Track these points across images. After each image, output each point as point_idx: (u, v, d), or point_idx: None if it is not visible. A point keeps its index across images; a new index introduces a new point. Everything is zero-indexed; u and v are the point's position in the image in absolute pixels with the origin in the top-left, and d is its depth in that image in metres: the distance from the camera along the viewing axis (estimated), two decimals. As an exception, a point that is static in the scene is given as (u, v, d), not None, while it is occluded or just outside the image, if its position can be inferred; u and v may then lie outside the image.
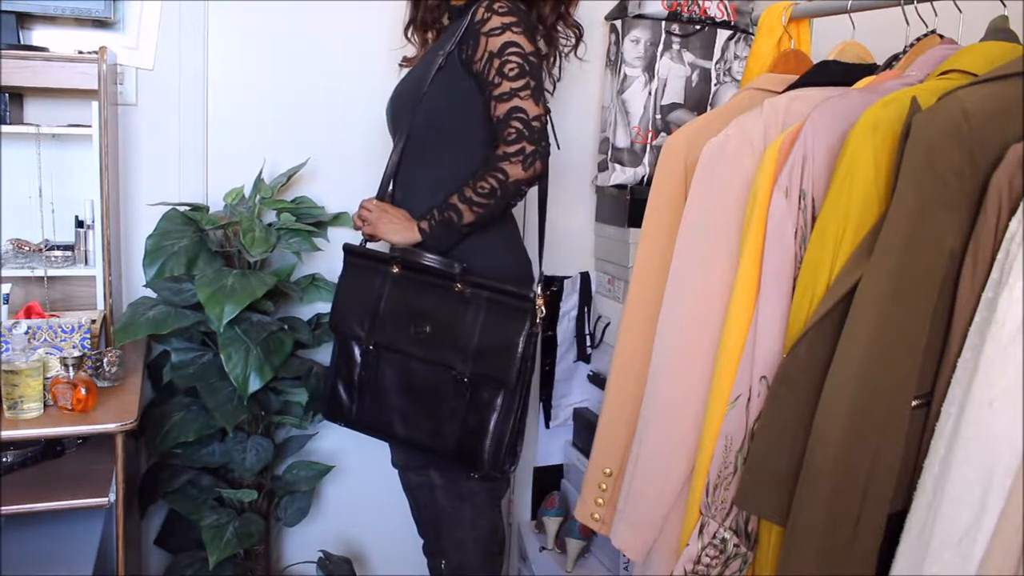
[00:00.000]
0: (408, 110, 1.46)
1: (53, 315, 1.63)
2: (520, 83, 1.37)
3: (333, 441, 2.06)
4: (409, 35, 1.66)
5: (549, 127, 1.41)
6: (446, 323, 1.42)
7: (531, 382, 1.45)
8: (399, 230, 1.44)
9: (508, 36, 1.37)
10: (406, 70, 1.66)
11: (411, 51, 1.72)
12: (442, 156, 1.46)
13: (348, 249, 1.53)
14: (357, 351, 1.49)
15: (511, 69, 1.37)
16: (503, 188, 1.37)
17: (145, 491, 1.75)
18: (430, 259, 1.42)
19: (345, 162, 2.00)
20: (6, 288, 1.64)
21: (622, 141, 1.94)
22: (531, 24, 1.46)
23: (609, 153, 1.96)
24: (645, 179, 1.94)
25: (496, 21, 1.38)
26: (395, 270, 1.45)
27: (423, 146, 1.46)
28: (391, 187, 1.51)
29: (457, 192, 1.39)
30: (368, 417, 1.49)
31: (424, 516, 1.71)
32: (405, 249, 1.44)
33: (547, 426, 2.16)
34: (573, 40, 1.59)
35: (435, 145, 1.46)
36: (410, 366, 1.44)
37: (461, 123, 1.45)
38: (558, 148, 1.45)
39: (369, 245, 1.54)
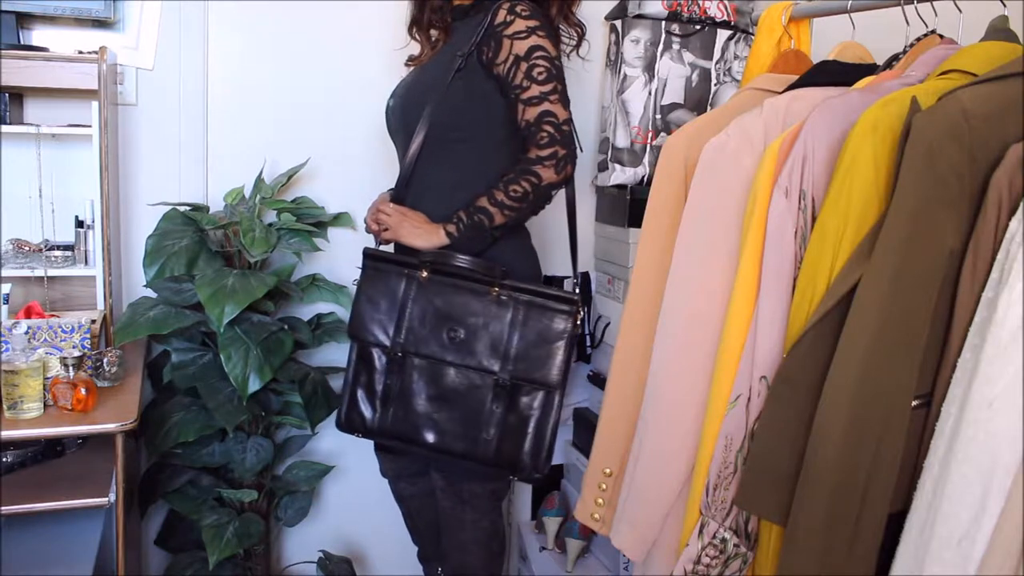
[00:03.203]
0: (424, 110, 1.43)
1: (53, 315, 1.63)
2: (549, 87, 1.38)
3: (333, 441, 2.06)
4: (414, 34, 1.65)
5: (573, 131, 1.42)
6: (483, 327, 1.40)
7: (567, 382, 1.45)
8: (422, 234, 1.42)
9: (534, 40, 1.38)
10: (406, 70, 1.66)
11: (413, 49, 1.71)
12: (459, 157, 1.45)
13: (369, 254, 1.47)
14: (381, 359, 1.45)
15: (540, 73, 1.37)
16: (536, 192, 1.38)
17: (145, 491, 1.75)
18: (465, 261, 1.39)
19: (345, 162, 2.00)
20: (6, 288, 1.64)
21: (622, 141, 1.94)
22: (551, 27, 1.47)
23: (609, 153, 1.96)
24: (645, 179, 1.94)
25: (521, 24, 1.38)
26: (423, 274, 1.42)
27: (440, 147, 1.44)
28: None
29: (487, 195, 1.38)
30: (395, 427, 1.45)
31: (420, 523, 1.71)
32: (438, 252, 1.41)
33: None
34: (575, 40, 1.59)
35: (452, 146, 1.45)
36: (442, 372, 1.41)
37: (480, 124, 1.44)
38: (580, 151, 1.46)
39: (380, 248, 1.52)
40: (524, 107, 1.38)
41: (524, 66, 1.37)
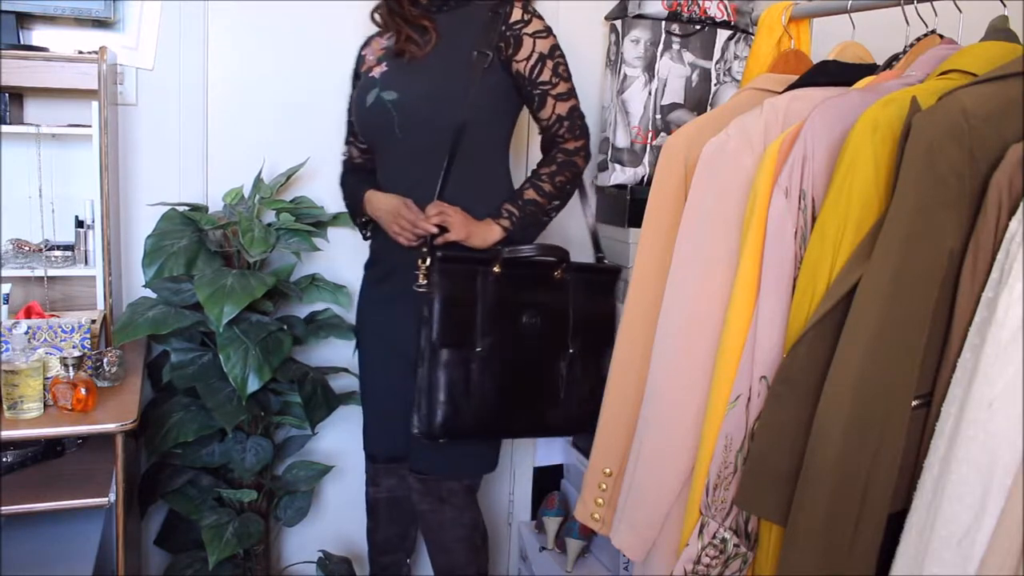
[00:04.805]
0: (453, 107, 1.41)
1: (53, 315, 1.63)
2: (570, 84, 1.51)
3: (333, 441, 2.06)
4: (396, 22, 1.53)
5: None
6: (555, 308, 1.50)
7: None
8: (481, 232, 1.45)
9: (552, 39, 1.47)
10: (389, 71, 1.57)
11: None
12: (479, 152, 1.48)
13: (446, 257, 1.42)
14: (467, 358, 1.44)
15: (563, 71, 1.49)
16: (575, 180, 1.51)
17: (145, 491, 1.75)
18: (534, 249, 1.48)
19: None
20: (6, 288, 1.64)
21: (622, 141, 1.94)
22: None
23: (609, 153, 1.96)
24: (645, 179, 1.94)
25: (539, 24, 1.46)
26: (496, 269, 1.45)
27: (472, 144, 1.45)
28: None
29: (532, 188, 1.47)
30: (491, 420, 1.46)
31: (395, 514, 1.76)
32: (510, 247, 1.47)
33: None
34: None
35: (476, 142, 1.47)
36: (530, 358, 1.49)
37: (498, 119, 1.51)
38: None
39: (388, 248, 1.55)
40: (556, 102, 1.47)
41: (551, 63, 1.45)
